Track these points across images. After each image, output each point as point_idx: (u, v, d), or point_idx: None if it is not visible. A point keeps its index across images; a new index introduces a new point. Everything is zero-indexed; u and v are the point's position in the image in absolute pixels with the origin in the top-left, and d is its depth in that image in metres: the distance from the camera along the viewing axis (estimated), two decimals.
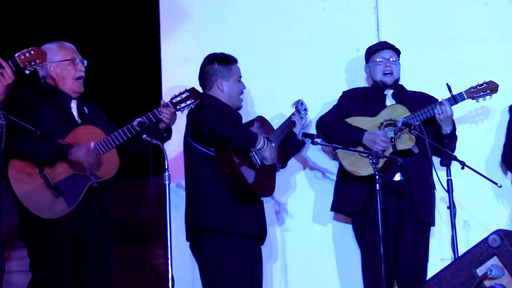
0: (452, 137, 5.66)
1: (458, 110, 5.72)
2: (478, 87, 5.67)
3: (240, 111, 5.64)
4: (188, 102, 5.23)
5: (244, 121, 5.63)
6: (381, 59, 5.77)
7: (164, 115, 5.14)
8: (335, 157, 5.87)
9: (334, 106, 5.87)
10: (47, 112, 5.04)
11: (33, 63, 4.72)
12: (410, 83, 5.92)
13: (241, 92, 5.63)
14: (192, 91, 5.25)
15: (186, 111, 5.30)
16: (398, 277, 5.63)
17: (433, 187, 5.66)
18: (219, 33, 6.21)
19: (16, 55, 4.70)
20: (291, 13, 6.27)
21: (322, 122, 5.81)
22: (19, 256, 5.31)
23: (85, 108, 5.23)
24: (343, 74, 6.19)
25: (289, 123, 5.77)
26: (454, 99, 5.61)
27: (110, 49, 7.72)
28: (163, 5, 6.27)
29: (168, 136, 5.30)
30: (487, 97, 5.70)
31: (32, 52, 4.72)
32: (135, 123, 5.00)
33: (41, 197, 4.89)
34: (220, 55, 5.61)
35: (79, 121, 5.16)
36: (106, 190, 5.23)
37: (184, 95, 5.22)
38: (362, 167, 5.53)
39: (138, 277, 7.83)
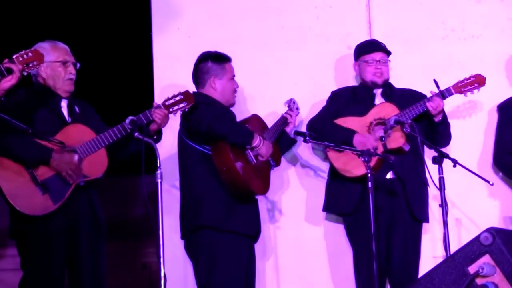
0: (446, 123, 5.68)
1: (446, 106, 5.71)
2: (466, 81, 5.68)
3: (232, 109, 5.65)
4: (181, 105, 5.22)
5: (238, 119, 5.64)
6: (371, 61, 5.77)
7: (156, 116, 5.13)
8: (326, 158, 5.88)
9: (324, 108, 5.87)
10: (37, 111, 5.04)
11: (30, 65, 4.75)
12: (401, 81, 5.93)
13: (234, 91, 5.64)
14: (185, 94, 5.23)
15: (178, 114, 5.30)
16: (390, 275, 5.64)
17: (425, 184, 5.67)
18: (210, 31, 6.20)
19: (14, 56, 4.72)
20: (282, 11, 6.26)
21: (312, 124, 5.81)
22: (12, 254, 5.31)
23: (76, 108, 5.23)
24: (334, 73, 6.19)
25: (283, 121, 5.79)
26: (442, 95, 5.62)
27: (102, 47, 7.72)
28: (154, 3, 6.26)
29: (158, 139, 5.28)
30: (475, 91, 5.70)
31: (29, 54, 4.74)
32: (127, 121, 5.00)
33: (27, 194, 4.88)
34: (214, 53, 5.62)
35: (69, 120, 5.16)
36: (97, 189, 5.22)
37: (177, 98, 5.21)
38: (354, 167, 5.53)
39: (130, 275, 7.83)
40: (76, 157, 4.98)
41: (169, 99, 5.21)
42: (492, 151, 5.96)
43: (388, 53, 5.82)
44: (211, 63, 5.57)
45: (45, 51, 4.99)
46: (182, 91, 5.24)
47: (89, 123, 5.15)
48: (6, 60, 4.73)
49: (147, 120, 5.10)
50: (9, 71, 4.70)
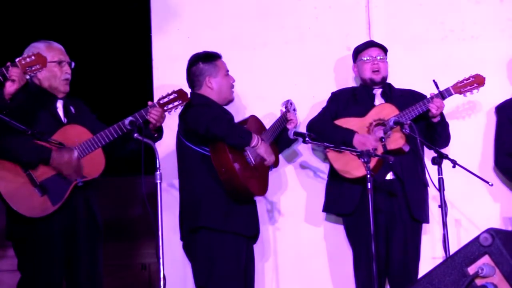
0: (444, 123, 5.68)
1: (445, 106, 5.71)
2: (465, 81, 5.67)
3: (230, 110, 5.65)
4: (176, 103, 5.22)
5: (236, 120, 5.64)
6: (368, 57, 5.78)
7: (152, 116, 5.13)
8: (326, 159, 5.87)
9: (323, 108, 5.88)
10: (33, 112, 5.03)
11: (33, 68, 4.76)
12: (401, 82, 5.93)
13: (231, 86, 5.64)
14: (179, 93, 5.23)
15: (173, 112, 5.29)
16: (390, 276, 5.63)
17: (425, 185, 5.67)
18: (210, 32, 6.20)
19: (17, 60, 4.74)
20: (282, 11, 6.26)
21: (312, 125, 5.81)
22: (11, 255, 5.30)
23: (72, 108, 5.22)
24: (334, 73, 6.19)
25: (281, 122, 5.79)
26: (442, 95, 5.62)
27: (102, 47, 7.72)
28: (154, 4, 6.26)
29: (159, 136, 5.29)
30: (475, 91, 5.70)
31: (32, 57, 4.75)
32: (126, 122, 5.00)
33: (25, 195, 4.88)
34: (203, 54, 5.62)
35: (65, 120, 5.15)
36: (97, 190, 5.22)
37: (171, 96, 5.21)
38: (354, 168, 5.53)
39: (130, 276, 7.83)
40: (75, 154, 4.98)
41: (163, 97, 5.22)
42: (491, 152, 5.95)
43: (385, 50, 5.82)
44: (202, 64, 5.57)
45: (40, 51, 4.98)
46: (176, 89, 5.25)
47: (85, 123, 5.15)
48: (8, 64, 4.73)
49: (142, 119, 5.10)
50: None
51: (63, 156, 4.94)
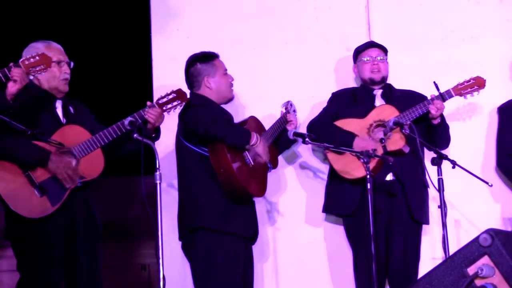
0: (444, 125, 5.67)
1: (446, 108, 5.71)
2: (466, 83, 5.67)
3: (229, 110, 5.65)
4: (175, 103, 5.22)
5: (235, 121, 5.64)
6: (368, 58, 5.78)
7: (149, 116, 5.13)
8: (326, 159, 5.87)
9: (324, 109, 5.87)
10: (33, 112, 5.03)
11: (37, 69, 4.74)
12: (401, 82, 5.93)
13: (230, 85, 5.63)
14: (178, 93, 5.23)
15: (172, 112, 5.29)
16: (390, 276, 5.63)
17: (426, 186, 5.66)
18: (209, 32, 6.21)
19: (20, 60, 4.72)
20: (282, 12, 6.27)
21: (313, 125, 5.80)
22: (10, 255, 5.31)
23: (71, 108, 5.22)
24: (334, 74, 6.19)
25: (281, 123, 5.78)
26: (442, 97, 5.61)
27: (101, 48, 7.72)
28: (154, 4, 6.27)
29: (157, 137, 5.29)
30: (475, 93, 5.70)
31: (37, 57, 4.74)
32: (126, 122, 5.00)
33: (24, 196, 4.88)
34: (200, 54, 5.61)
35: (64, 121, 5.15)
36: (94, 191, 5.21)
37: (170, 96, 5.21)
38: (354, 168, 5.53)
39: (129, 276, 7.83)
40: (74, 162, 4.97)
41: (162, 97, 5.22)
42: (493, 153, 5.95)
43: (385, 50, 5.82)
44: (199, 64, 5.57)
45: (40, 51, 4.97)
46: (174, 89, 5.24)
47: (84, 123, 5.15)
48: (11, 64, 4.73)
49: (141, 119, 5.10)
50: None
51: (62, 160, 4.93)
